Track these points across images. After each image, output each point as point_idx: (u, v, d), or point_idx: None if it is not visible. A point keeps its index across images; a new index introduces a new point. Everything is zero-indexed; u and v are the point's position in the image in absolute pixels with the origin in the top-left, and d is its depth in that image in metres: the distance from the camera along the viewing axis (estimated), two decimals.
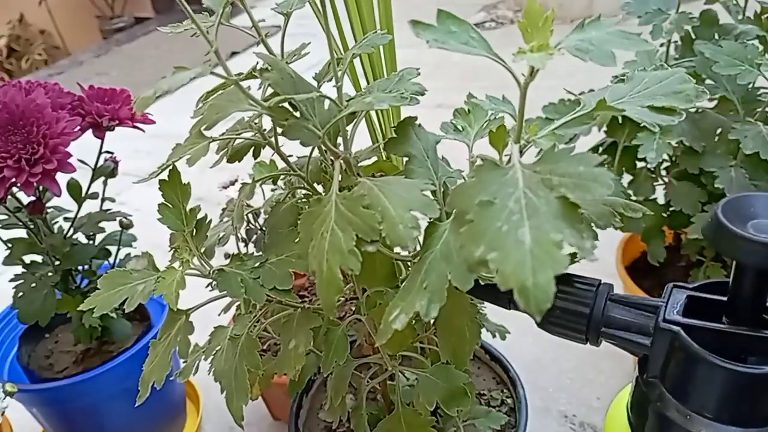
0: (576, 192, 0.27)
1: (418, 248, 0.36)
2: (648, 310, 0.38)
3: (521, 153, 0.35)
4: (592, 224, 0.41)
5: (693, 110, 0.69)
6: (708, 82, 0.67)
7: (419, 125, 0.44)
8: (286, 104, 0.40)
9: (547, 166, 0.29)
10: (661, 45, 0.70)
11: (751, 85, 0.65)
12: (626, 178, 0.74)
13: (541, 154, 0.30)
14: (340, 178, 0.38)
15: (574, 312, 0.38)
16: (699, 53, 0.65)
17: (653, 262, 0.73)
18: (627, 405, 0.41)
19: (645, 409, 0.38)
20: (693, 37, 0.69)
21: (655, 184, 0.73)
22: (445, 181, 0.42)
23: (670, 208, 0.71)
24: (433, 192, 0.41)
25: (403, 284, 0.35)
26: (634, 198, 0.73)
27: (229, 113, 0.38)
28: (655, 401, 0.37)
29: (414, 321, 0.33)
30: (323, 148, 0.42)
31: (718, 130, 0.68)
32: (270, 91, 0.41)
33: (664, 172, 0.74)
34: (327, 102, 0.41)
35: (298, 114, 0.41)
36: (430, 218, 0.35)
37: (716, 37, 0.68)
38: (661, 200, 0.73)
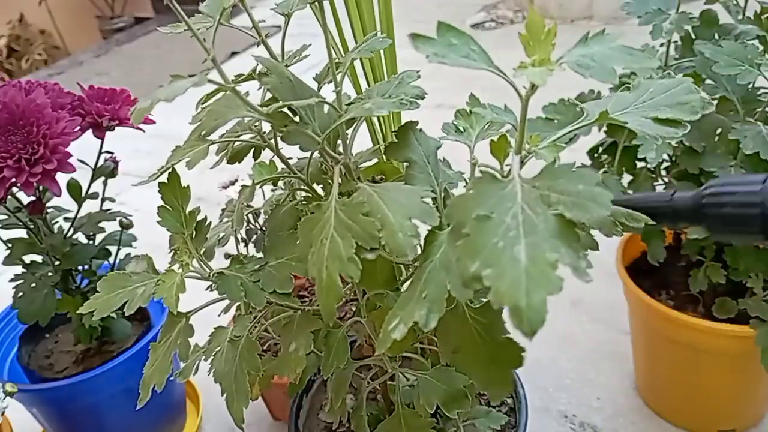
0: (573, 211, 0.26)
1: (419, 252, 0.36)
2: None
3: (522, 164, 0.34)
4: (594, 232, 0.41)
5: None
6: (708, 82, 0.67)
7: (420, 130, 0.44)
8: (285, 109, 0.40)
9: (546, 182, 0.28)
10: (661, 45, 0.70)
11: (751, 85, 0.65)
12: (626, 178, 0.74)
13: (542, 168, 0.30)
14: (339, 183, 0.38)
15: (746, 204, 0.35)
16: (699, 53, 0.64)
17: (653, 262, 0.73)
18: None
19: None
20: (693, 37, 0.69)
21: (655, 184, 0.73)
22: (446, 187, 0.42)
23: None
24: (434, 199, 0.40)
25: (403, 293, 0.34)
26: None
27: (228, 120, 0.37)
28: None
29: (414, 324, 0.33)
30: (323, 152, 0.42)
31: (718, 130, 0.68)
32: (269, 95, 0.41)
33: (664, 172, 0.74)
34: (326, 107, 0.41)
35: (297, 119, 0.41)
36: (430, 226, 0.35)
37: (716, 37, 0.68)
38: None
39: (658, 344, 0.77)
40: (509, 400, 0.63)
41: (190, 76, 0.35)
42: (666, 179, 0.73)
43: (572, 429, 0.82)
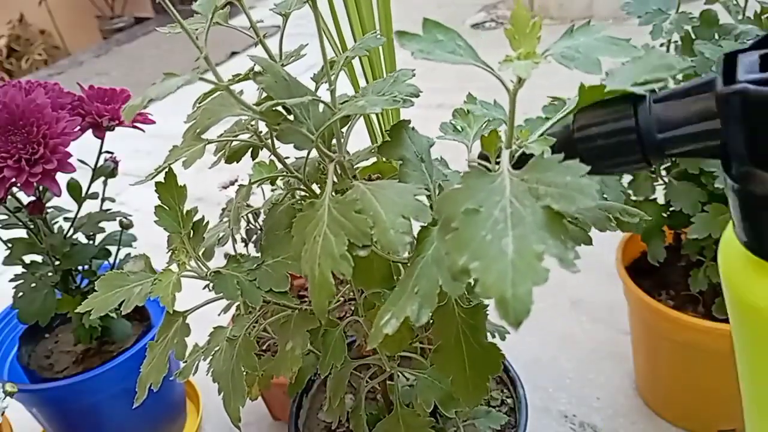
0: (561, 202, 0.27)
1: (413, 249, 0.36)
2: (703, 90, 0.31)
3: (512, 158, 0.34)
4: (590, 228, 0.41)
5: None
6: None
7: (413, 128, 0.44)
8: (279, 108, 0.40)
9: (534, 175, 0.28)
10: (661, 45, 0.70)
11: None
12: (626, 177, 0.74)
13: (530, 162, 0.30)
14: (334, 181, 0.38)
15: (620, 131, 0.32)
16: (699, 53, 0.64)
17: (653, 262, 0.73)
18: (732, 228, 0.34)
19: (749, 207, 0.31)
20: (693, 37, 0.69)
21: (655, 183, 0.73)
22: (440, 184, 0.42)
23: (670, 208, 0.71)
24: (428, 196, 0.41)
25: (395, 289, 0.35)
26: (634, 198, 0.73)
27: (222, 118, 0.37)
28: (755, 189, 0.30)
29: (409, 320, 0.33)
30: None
31: None
32: (265, 94, 0.41)
33: (664, 172, 0.74)
34: (321, 105, 0.41)
35: (291, 117, 0.41)
36: (423, 223, 0.35)
37: (716, 37, 0.68)
38: (661, 200, 0.73)
39: (658, 344, 0.77)
40: (509, 400, 0.63)
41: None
42: (666, 179, 0.72)
43: (572, 429, 0.81)
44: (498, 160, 0.35)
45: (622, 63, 0.36)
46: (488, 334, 0.61)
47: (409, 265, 0.35)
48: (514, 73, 0.30)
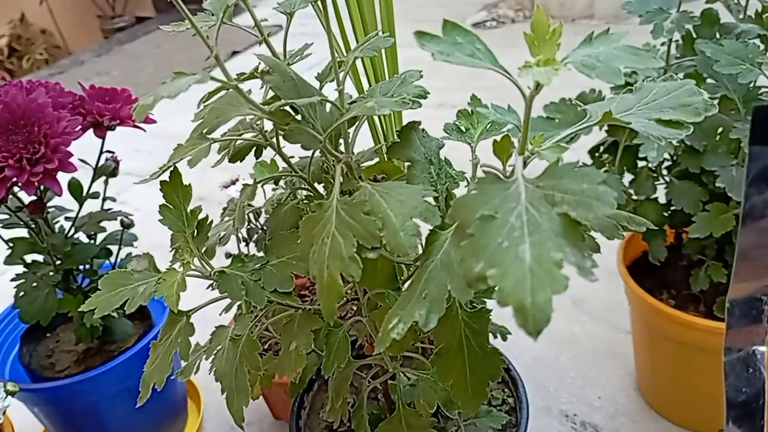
0: (578, 210, 0.26)
1: (420, 251, 0.36)
2: None
3: (525, 164, 0.34)
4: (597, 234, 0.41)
5: None
6: (709, 81, 0.67)
7: (423, 130, 0.44)
8: (287, 108, 0.40)
9: (550, 182, 0.28)
10: (662, 44, 0.70)
11: (752, 84, 0.65)
12: (627, 177, 0.74)
13: (545, 168, 0.30)
14: (341, 182, 0.38)
15: None
16: (700, 52, 0.64)
17: (654, 261, 0.73)
18: None
19: None
20: (694, 36, 0.69)
21: (656, 183, 0.73)
22: (447, 186, 0.42)
23: (671, 208, 0.71)
24: (435, 198, 0.40)
25: (403, 293, 0.34)
26: (635, 197, 0.73)
27: (230, 118, 0.37)
28: None
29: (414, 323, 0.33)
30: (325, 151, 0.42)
31: (720, 129, 0.68)
32: (271, 93, 0.41)
33: (665, 171, 0.74)
34: (328, 105, 0.41)
35: (299, 117, 0.41)
36: (432, 225, 0.35)
37: (717, 36, 0.68)
38: (662, 199, 0.73)
39: (659, 344, 0.77)
40: (510, 400, 0.63)
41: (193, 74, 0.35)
42: (667, 178, 0.73)
43: (573, 428, 0.82)
44: (510, 165, 0.35)
45: (646, 78, 0.36)
46: (490, 333, 0.62)
47: (418, 268, 0.35)
48: (534, 79, 0.29)
